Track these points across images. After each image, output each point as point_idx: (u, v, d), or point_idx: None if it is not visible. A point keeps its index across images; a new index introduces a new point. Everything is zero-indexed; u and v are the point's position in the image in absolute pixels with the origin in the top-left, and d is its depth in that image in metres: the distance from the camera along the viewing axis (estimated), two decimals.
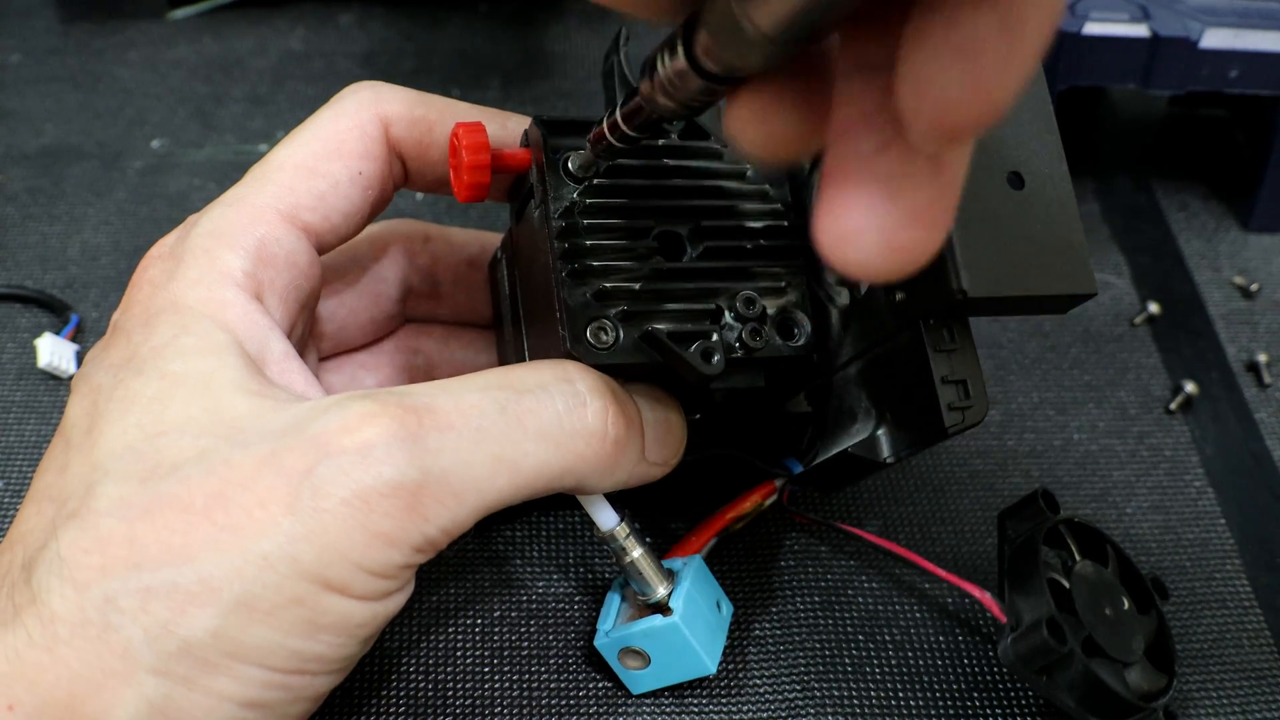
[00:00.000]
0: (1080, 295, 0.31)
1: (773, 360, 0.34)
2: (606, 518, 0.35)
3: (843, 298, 0.35)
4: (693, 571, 0.36)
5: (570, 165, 0.33)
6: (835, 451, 0.36)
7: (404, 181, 0.37)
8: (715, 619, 0.36)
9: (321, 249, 0.35)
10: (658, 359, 0.33)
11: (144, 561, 0.27)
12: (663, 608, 0.35)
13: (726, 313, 0.34)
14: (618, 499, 0.35)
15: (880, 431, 0.34)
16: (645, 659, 0.36)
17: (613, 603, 0.37)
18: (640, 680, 0.36)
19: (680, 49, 0.24)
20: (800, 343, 0.34)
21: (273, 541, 0.27)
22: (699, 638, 0.35)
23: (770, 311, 0.34)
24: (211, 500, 0.27)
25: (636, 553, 0.35)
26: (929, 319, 0.32)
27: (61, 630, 0.27)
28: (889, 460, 0.34)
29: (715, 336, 0.33)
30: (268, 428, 0.29)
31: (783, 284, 0.34)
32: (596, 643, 0.36)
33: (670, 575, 0.35)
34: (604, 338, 0.32)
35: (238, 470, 0.28)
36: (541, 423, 0.30)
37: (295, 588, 0.27)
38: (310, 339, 0.38)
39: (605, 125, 0.30)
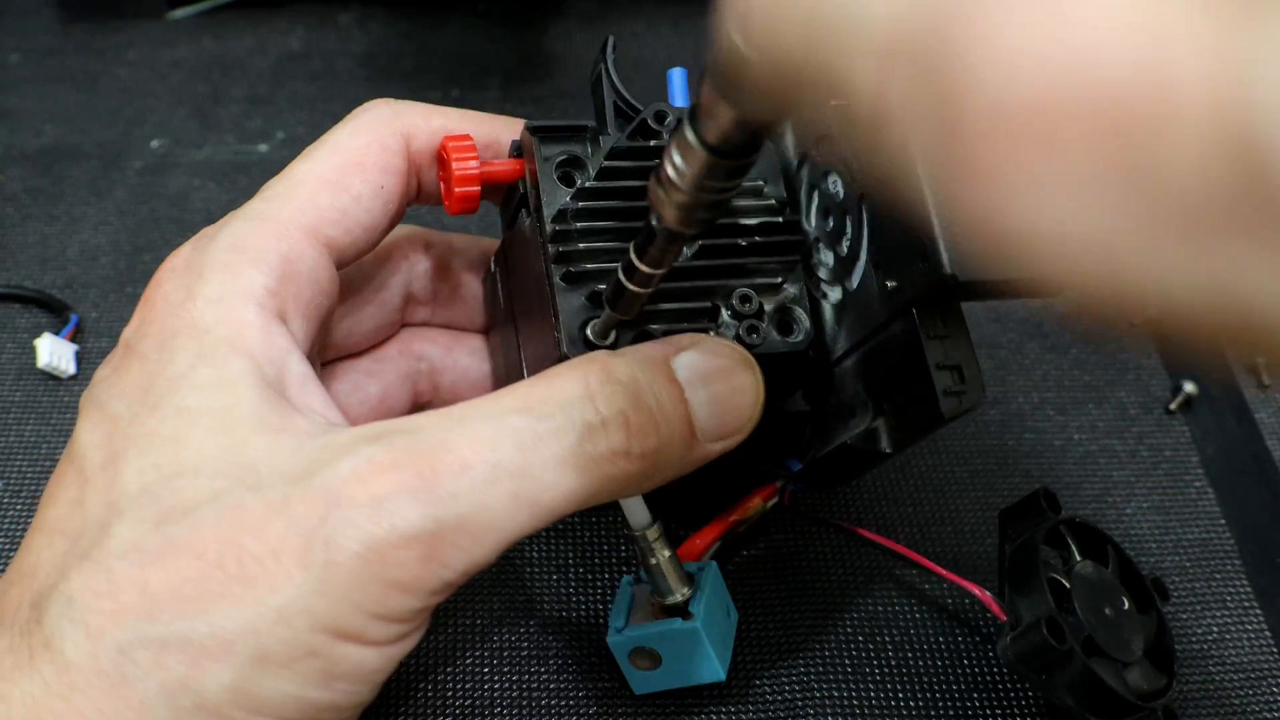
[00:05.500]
0: None
1: (771, 357, 0.34)
2: (640, 517, 0.34)
3: (835, 293, 0.35)
4: (711, 577, 0.36)
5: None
6: (835, 445, 0.36)
7: (417, 195, 0.37)
8: (726, 625, 0.36)
9: (341, 264, 0.35)
10: None
11: (156, 612, 0.27)
12: (682, 611, 0.34)
13: (724, 311, 0.33)
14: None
15: (879, 422, 0.34)
16: (657, 660, 0.35)
17: (624, 600, 0.37)
18: (646, 681, 0.36)
19: (688, 131, 0.23)
20: (799, 339, 0.34)
21: (286, 595, 0.27)
22: (714, 644, 0.35)
23: (768, 308, 0.34)
24: (223, 548, 0.27)
25: (665, 554, 0.34)
26: (921, 306, 0.32)
27: (77, 679, 0.26)
28: (888, 451, 0.34)
29: (713, 335, 0.33)
30: (281, 469, 0.28)
31: (779, 280, 0.34)
32: (608, 639, 0.36)
33: (690, 579, 0.35)
34: (600, 342, 0.32)
35: (249, 516, 0.27)
36: (561, 450, 0.28)
37: (310, 640, 0.27)
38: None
39: (621, 274, 0.29)
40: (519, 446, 0.28)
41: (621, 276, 0.30)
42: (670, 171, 0.25)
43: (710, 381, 0.31)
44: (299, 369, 0.32)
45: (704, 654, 0.35)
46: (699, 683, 0.36)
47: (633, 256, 0.29)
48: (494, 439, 0.28)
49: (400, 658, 0.29)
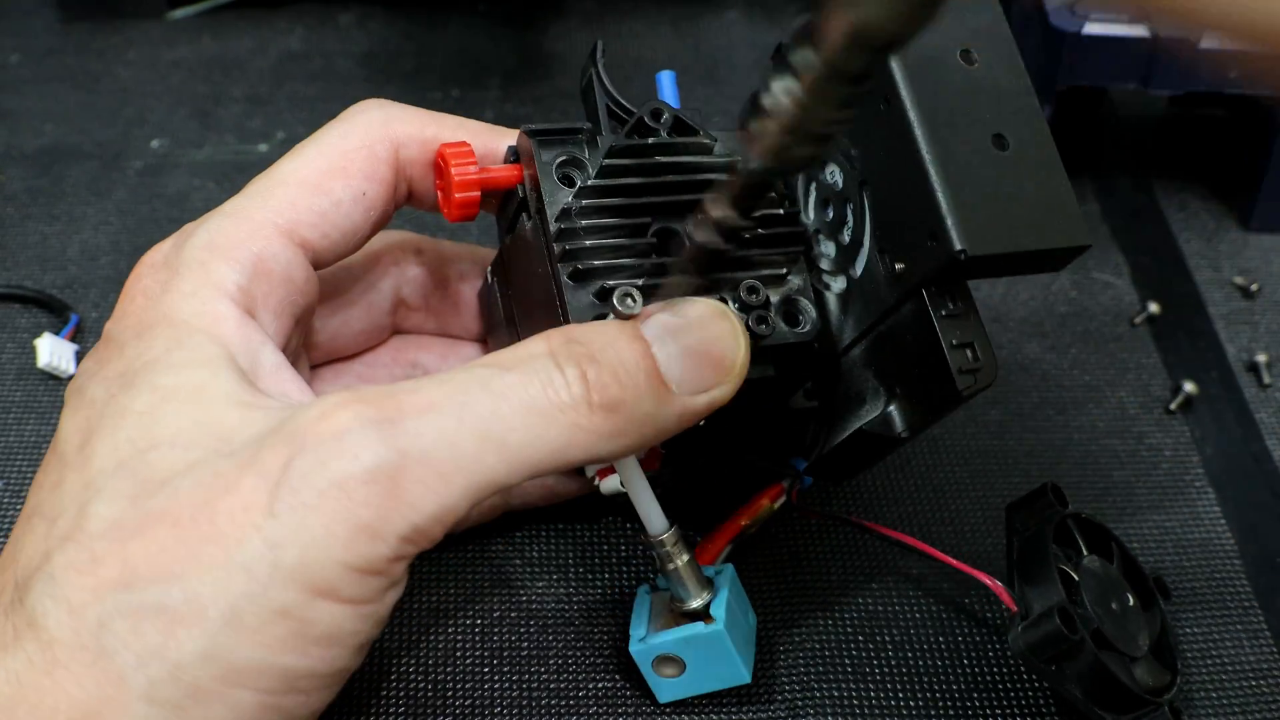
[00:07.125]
0: (1075, 248, 0.32)
1: (780, 348, 0.34)
2: (657, 522, 0.34)
3: (839, 283, 0.36)
4: (729, 580, 0.36)
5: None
6: (848, 433, 0.36)
7: (406, 200, 0.37)
8: (747, 628, 0.36)
9: (319, 265, 0.35)
10: None
11: (134, 581, 0.27)
12: (703, 615, 0.34)
13: (730, 303, 0.33)
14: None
15: (892, 408, 0.34)
16: (681, 667, 0.35)
17: (643, 608, 0.36)
18: (670, 688, 0.36)
19: (794, 53, 0.22)
20: (806, 329, 0.34)
21: (253, 548, 0.26)
22: (738, 646, 0.35)
23: (774, 299, 0.34)
24: (198, 511, 0.27)
25: (683, 559, 0.34)
26: (930, 286, 0.32)
27: (60, 654, 0.26)
28: (904, 435, 0.34)
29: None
30: (253, 434, 0.28)
31: (784, 271, 0.35)
32: (631, 649, 0.35)
33: (709, 583, 0.35)
34: None
35: (223, 478, 0.27)
36: (527, 397, 0.29)
37: (281, 597, 0.27)
38: (303, 349, 0.38)
39: (714, 213, 0.29)
40: (486, 392, 0.29)
41: (704, 227, 0.30)
42: (769, 101, 0.23)
43: (680, 335, 0.31)
44: (272, 359, 0.32)
45: (728, 657, 0.35)
46: (724, 686, 0.36)
47: (710, 209, 0.29)
48: (463, 383, 0.29)
49: (380, 621, 0.29)
